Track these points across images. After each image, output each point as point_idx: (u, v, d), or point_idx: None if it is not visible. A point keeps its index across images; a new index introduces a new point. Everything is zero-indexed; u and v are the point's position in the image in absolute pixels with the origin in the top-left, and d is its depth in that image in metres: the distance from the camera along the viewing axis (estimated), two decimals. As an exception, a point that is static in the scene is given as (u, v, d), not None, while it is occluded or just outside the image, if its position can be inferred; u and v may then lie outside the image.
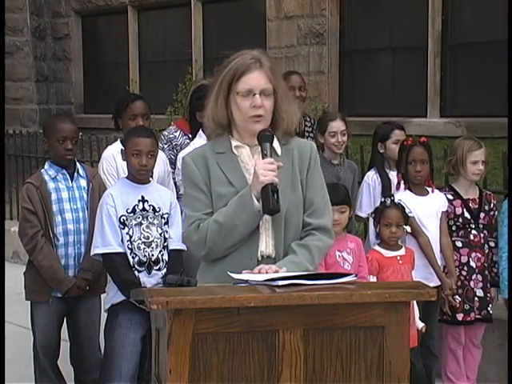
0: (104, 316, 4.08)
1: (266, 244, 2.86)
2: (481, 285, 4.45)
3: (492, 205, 4.54)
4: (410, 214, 4.27)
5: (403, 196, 4.37)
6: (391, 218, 4.15)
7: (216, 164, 2.89)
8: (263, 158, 2.82)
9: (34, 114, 12.97)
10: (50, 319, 4.10)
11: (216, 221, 2.81)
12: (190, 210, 2.91)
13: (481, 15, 9.13)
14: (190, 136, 4.79)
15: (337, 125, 4.77)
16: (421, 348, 4.36)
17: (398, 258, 4.18)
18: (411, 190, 4.41)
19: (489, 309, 4.46)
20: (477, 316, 4.43)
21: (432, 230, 4.37)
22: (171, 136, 4.90)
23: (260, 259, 2.84)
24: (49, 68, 13.53)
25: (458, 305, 4.39)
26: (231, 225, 2.79)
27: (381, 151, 4.79)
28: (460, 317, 4.42)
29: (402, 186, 4.45)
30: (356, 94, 10.32)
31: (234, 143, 2.92)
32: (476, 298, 4.43)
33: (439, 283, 4.33)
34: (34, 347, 4.22)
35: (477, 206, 4.48)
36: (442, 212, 4.41)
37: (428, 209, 4.38)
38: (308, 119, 5.54)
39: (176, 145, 4.83)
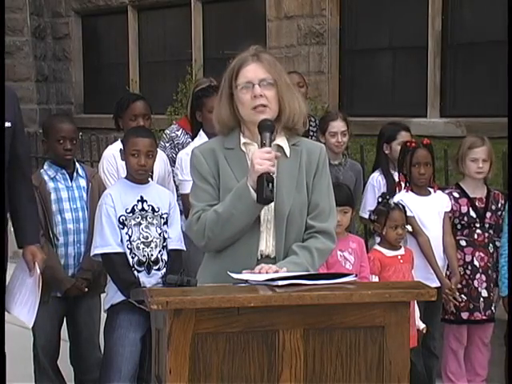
0: (104, 316, 4.07)
1: (266, 243, 2.85)
2: (485, 285, 4.44)
3: (500, 204, 4.50)
4: (408, 214, 4.27)
5: (405, 196, 4.37)
6: (397, 219, 4.15)
7: (224, 159, 2.90)
8: (261, 147, 2.80)
9: (34, 114, 12.95)
10: (49, 319, 4.10)
11: (215, 210, 2.82)
12: (195, 200, 2.92)
13: (481, 15, 9.12)
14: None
15: (337, 125, 4.75)
16: (422, 348, 4.36)
17: (399, 257, 4.19)
18: (413, 191, 4.41)
19: (492, 308, 4.46)
20: (483, 317, 4.43)
21: (434, 230, 4.37)
22: (173, 135, 4.90)
23: (259, 258, 2.84)
24: (49, 68, 13.52)
25: (462, 303, 4.39)
26: (228, 214, 2.78)
27: (386, 152, 4.77)
28: (465, 315, 4.42)
29: (403, 186, 4.46)
30: (356, 94, 10.31)
31: (243, 140, 2.92)
32: (481, 299, 4.43)
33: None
34: (34, 347, 4.22)
35: (483, 206, 4.46)
36: (445, 212, 4.40)
37: (430, 209, 4.37)
38: (312, 120, 5.54)
39: (178, 143, 4.83)
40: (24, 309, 3.68)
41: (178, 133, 4.91)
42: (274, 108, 2.87)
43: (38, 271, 3.61)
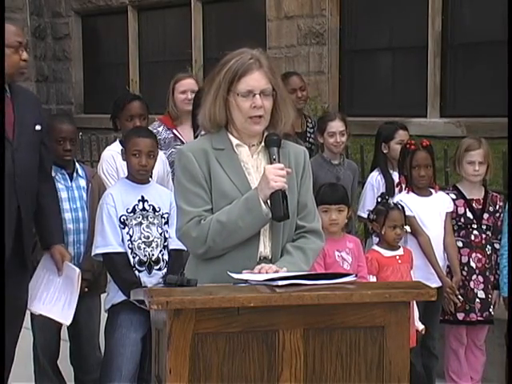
0: (104, 316, 4.07)
1: (264, 245, 2.86)
2: (482, 286, 4.43)
3: (498, 206, 4.50)
4: (408, 214, 4.26)
5: (406, 197, 4.37)
6: (396, 219, 4.15)
7: (216, 160, 2.86)
8: (271, 162, 2.82)
9: (34, 114, 12.96)
10: (49, 319, 4.10)
11: (219, 220, 2.78)
12: (188, 205, 2.84)
13: (481, 15, 9.12)
14: (174, 131, 4.85)
15: (336, 125, 4.77)
16: (421, 348, 4.36)
17: (397, 257, 4.18)
18: (414, 192, 4.41)
19: (490, 310, 4.46)
20: (478, 318, 4.43)
21: (435, 230, 4.36)
22: (154, 131, 4.90)
23: (258, 260, 2.84)
24: (49, 68, 13.52)
25: (459, 304, 4.39)
26: (235, 226, 2.77)
27: (384, 151, 4.78)
28: (461, 316, 4.42)
29: (403, 187, 4.46)
30: (356, 94, 10.31)
31: (235, 141, 2.91)
32: (477, 300, 4.42)
33: (441, 284, 4.32)
34: (34, 347, 4.22)
35: (480, 207, 4.46)
36: (447, 213, 4.40)
37: (431, 209, 4.37)
38: (310, 120, 5.55)
39: (159, 139, 4.84)
40: (54, 307, 3.76)
41: (160, 129, 4.95)
42: (268, 118, 2.89)
43: (78, 270, 3.73)
